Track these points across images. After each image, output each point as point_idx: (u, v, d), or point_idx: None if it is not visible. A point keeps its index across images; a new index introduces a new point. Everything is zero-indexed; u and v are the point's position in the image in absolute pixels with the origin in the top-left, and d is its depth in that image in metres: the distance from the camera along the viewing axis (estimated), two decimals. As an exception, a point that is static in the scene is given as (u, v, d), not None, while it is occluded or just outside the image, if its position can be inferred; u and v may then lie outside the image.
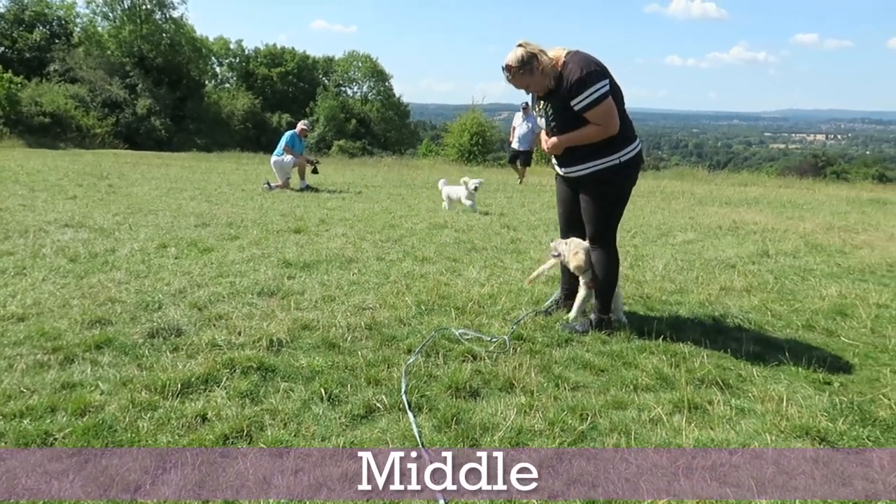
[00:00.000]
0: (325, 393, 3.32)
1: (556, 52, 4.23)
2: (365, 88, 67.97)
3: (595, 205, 4.34)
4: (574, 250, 4.56)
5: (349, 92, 68.65)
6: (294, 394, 3.34)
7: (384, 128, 64.12)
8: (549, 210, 10.80)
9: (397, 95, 68.45)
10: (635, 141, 4.27)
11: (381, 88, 67.80)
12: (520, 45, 4.21)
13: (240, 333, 4.12)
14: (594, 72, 4.05)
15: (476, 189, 10.32)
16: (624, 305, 4.83)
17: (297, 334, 4.15)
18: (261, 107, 59.82)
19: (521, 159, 16.68)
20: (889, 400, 3.43)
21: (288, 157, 13.19)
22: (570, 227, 4.61)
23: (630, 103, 4.23)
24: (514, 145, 16.51)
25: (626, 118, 4.25)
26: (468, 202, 10.35)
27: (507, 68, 4.23)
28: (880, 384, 3.72)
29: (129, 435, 2.88)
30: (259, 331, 4.15)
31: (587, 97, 4.06)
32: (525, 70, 4.18)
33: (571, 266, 4.58)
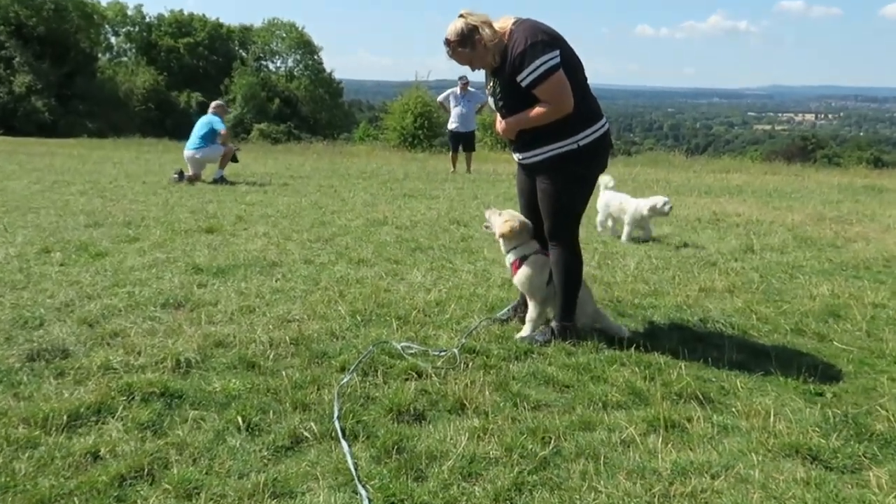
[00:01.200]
0: (243, 421, 3.27)
1: (502, 22, 4.25)
2: (290, 62, 67.44)
3: (552, 197, 4.37)
4: (506, 219, 4.61)
5: (271, 67, 67.92)
6: (206, 423, 3.27)
7: (313, 108, 63.68)
8: (508, 202, 10.87)
9: (328, 71, 68.14)
10: (599, 122, 4.31)
11: (310, 62, 67.34)
12: (461, 16, 4.23)
13: (139, 353, 4.03)
14: (541, 42, 4.08)
15: (665, 210, 8.01)
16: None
17: (210, 352, 4.08)
18: (165, 84, 58.75)
19: (464, 144, 16.59)
20: (887, 411, 3.55)
21: (210, 149, 12.69)
22: (534, 220, 4.64)
23: (595, 80, 4.29)
24: (452, 126, 16.35)
25: (589, 95, 4.30)
26: (644, 229, 8.20)
27: (447, 42, 4.25)
28: (877, 394, 3.84)
29: (2, 479, 2.78)
30: (163, 350, 4.06)
31: (533, 71, 4.09)
32: (466, 44, 4.21)
33: (497, 234, 4.65)
